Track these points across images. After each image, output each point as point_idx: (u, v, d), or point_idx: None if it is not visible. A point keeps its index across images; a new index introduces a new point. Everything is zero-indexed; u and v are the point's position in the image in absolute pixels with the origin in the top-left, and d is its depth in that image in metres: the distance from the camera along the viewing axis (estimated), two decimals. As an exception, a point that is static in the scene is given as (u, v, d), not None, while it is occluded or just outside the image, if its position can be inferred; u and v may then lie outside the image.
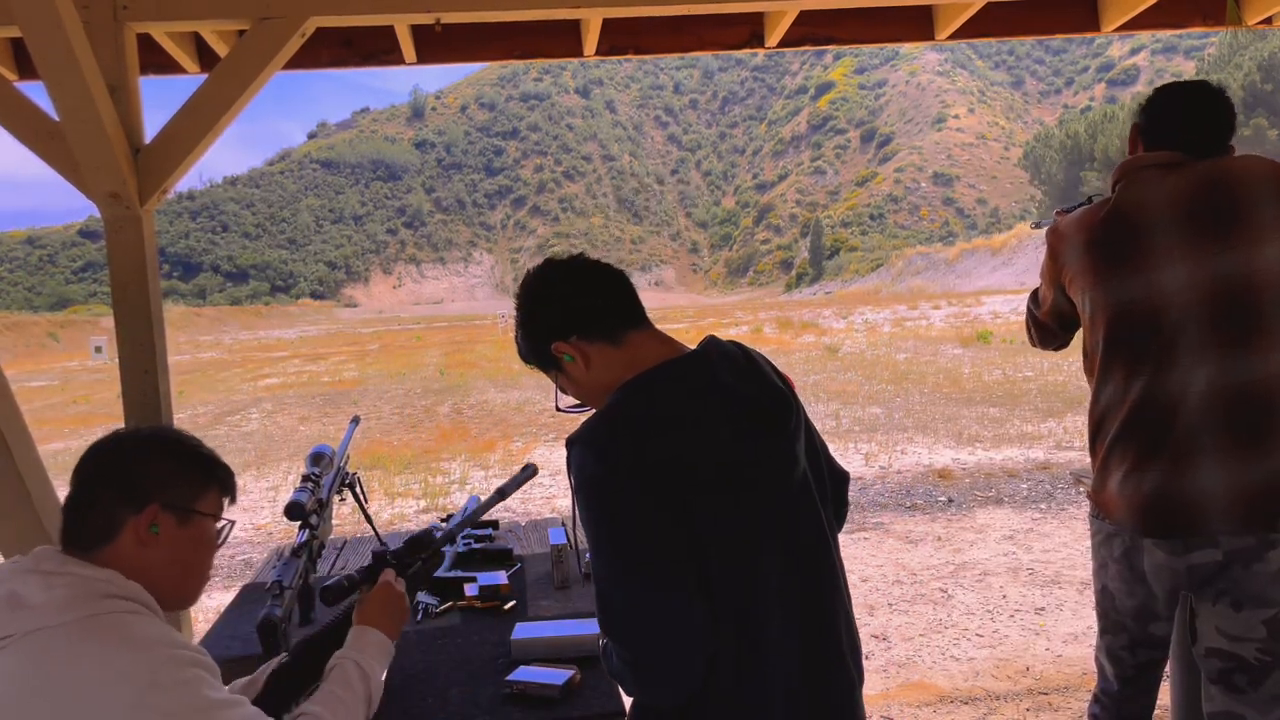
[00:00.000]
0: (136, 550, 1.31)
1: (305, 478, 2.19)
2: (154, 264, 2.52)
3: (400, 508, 7.98)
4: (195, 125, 2.49)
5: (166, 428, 1.51)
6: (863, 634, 4.15)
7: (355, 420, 2.87)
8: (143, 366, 2.46)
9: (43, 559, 1.27)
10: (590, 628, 1.90)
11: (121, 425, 1.60)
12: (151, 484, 1.33)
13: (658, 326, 1.45)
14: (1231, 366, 1.85)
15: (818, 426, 1.53)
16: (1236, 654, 1.88)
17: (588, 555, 1.34)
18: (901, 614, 4.73)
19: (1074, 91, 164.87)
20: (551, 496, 7.93)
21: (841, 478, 1.54)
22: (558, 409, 1.54)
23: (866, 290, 65.67)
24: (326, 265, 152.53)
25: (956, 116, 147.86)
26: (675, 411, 1.30)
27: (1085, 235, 2.01)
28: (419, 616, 2.18)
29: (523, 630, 1.95)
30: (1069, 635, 4.30)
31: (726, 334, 1.58)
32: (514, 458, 10.01)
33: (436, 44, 3.25)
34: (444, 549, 1.95)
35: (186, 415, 15.15)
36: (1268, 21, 3.44)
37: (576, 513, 1.33)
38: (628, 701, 1.45)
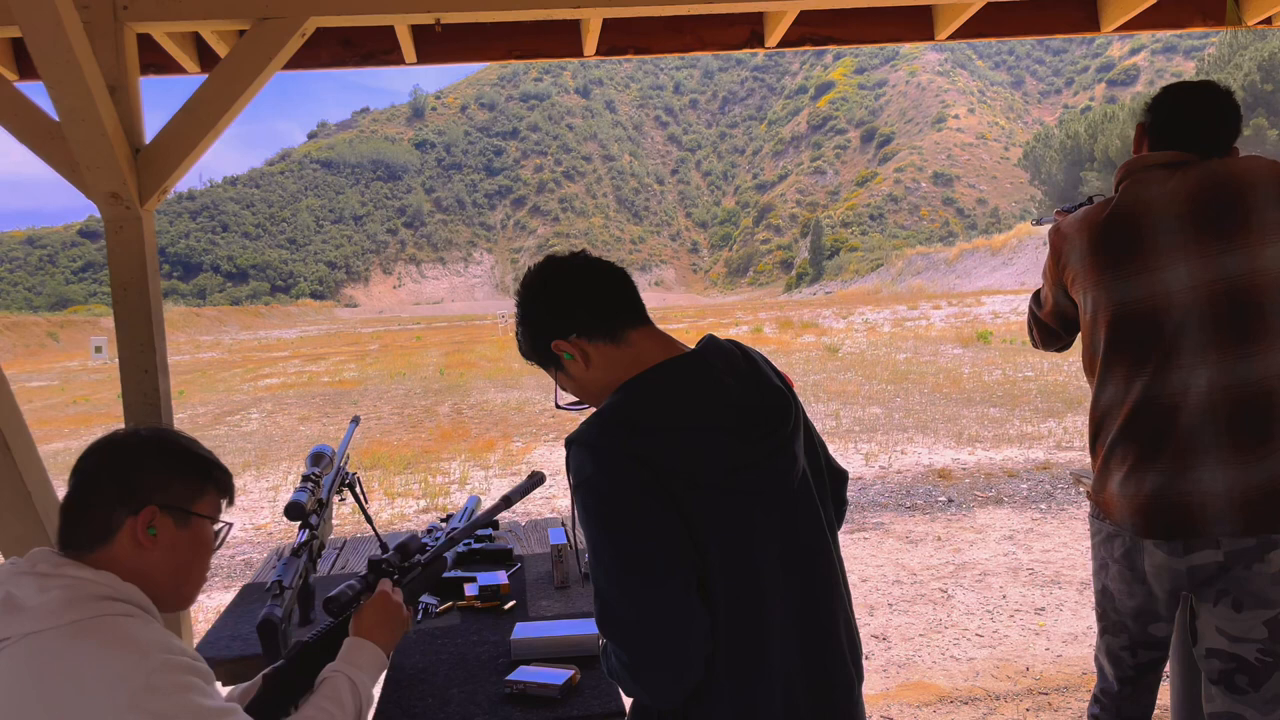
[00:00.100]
0: (134, 551, 1.31)
1: (305, 478, 2.20)
2: (154, 264, 2.52)
3: (400, 508, 7.98)
4: (195, 125, 2.49)
5: (165, 429, 1.50)
6: (863, 634, 4.15)
7: (355, 420, 2.87)
8: (143, 366, 2.46)
9: (38, 561, 1.27)
10: (590, 628, 1.91)
11: (121, 425, 1.60)
12: (150, 485, 1.33)
13: (658, 327, 1.45)
14: (1233, 367, 1.85)
15: (818, 426, 1.53)
16: (1237, 655, 1.88)
17: (587, 556, 1.34)
18: (901, 614, 4.73)
19: (1074, 91, 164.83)
20: (551, 496, 7.93)
21: (840, 476, 1.54)
22: (557, 406, 1.54)
23: (866, 290, 65.67)
24: (326, 265, 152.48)
25: (956, 116, 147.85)
26: (674, 412, 1.30)
27: (1088, 235, 2.00)
28: (419, 616, 2.18)
29: (523, 630, 1.95)
30: (1069, 635, 4.30)
31: (727, 334, 1.58)
32: (514, 457, 10.01)
33: (436, 44, 3.25)
34: (447, 554, 1.95)
35: (186, 415, 15.15)
36: (1268, 21, 3.44)
37: (575, 513, 1.33)
38: (628, 702, 1.45)
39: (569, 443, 1.32)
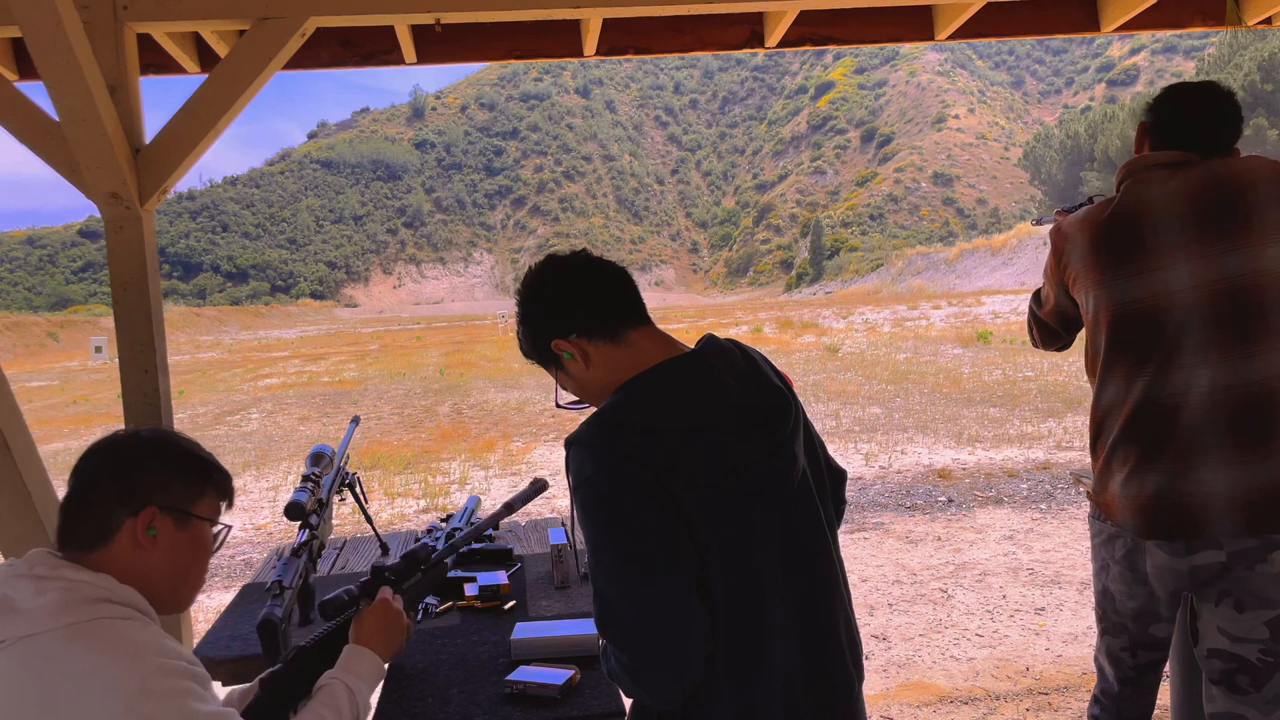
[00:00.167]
0: (133, 553, 1.31)
1: (305, 478, 2.20)
2: (154, 264, 2.52)
3: (400, 508, 7.98)
4: (195, 125, 2.49)
5: (166, 430, 1.50)
6: (863, 634, 4.15)
7: (355, 420, 2.87)
8: (143, 366, 2.46)
9: (35, 563, 1.27)
10: (590, 628, 1.91)
11: (121, 425, 1.60)
12: (150, 486, 1.33)
13: (659, 327, 1.45)
14: (1235, 367, 1.84)
15: (818, 426, 1.53)
16: (1239, 655, 1.88)
17: (586, 556, 1.34)
18: (901, 614, 4.73)
19: (1074, 91, 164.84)
20: (551, 496, 7.93)
21: (839, 476, 1.54)
22: (558, 405, 1.54)
23: (866, 290, 65.67)
24: (326, 265, 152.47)
25: (956, 116, 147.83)
26: (674, 413, 1.30)
27: (1090, 234, 2.00)
28: (419, 617, 2.18)
29: (523, 630, 1.95)
30: (1069, 635, 4.30)
31: (727, 334, 1.58)
32: (514, 457, 10.01)
33: (436, 44, 3.25)
34: (448, 560, 1.96)
35: (186, 415, 15.15)
36: (1268, 21, 3.44)
37: (574, 514, 1.33)
38: (628, 702, 1.45)
39: (569, 443, 1.32)
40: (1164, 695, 2.56)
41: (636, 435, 1.27)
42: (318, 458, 2.32)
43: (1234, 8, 3.36)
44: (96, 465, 1.34)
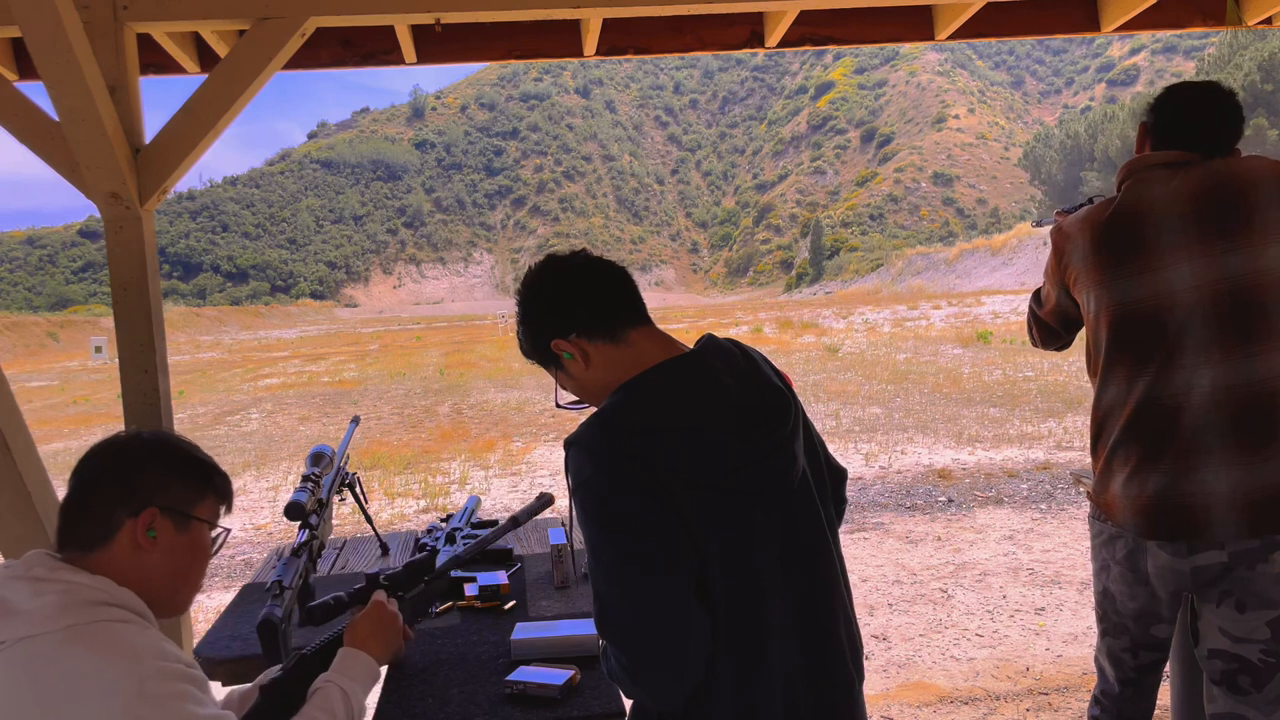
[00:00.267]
0: (132, 554, 1.31)
1: (305, 478, 2.20)
2: (154, 264, 2.52)
3: (400, 508, 7.98)
4: (195, 125, 2.49)
5: (167, 432, 1.51)
6: (863, 634, 4.15)
7: (355, 420, 2.87)
8: (143, 366, 2.46)
9: (33, 564, 1.27)
10: (590, 628, 1.90)
11: (121, 425, 1.60)
12: (151, 487, 1.33)
13: (659, 327, 1.45)
14: (1237, 367, 1.84)
15: (818, 426, 1.53)
16: (1240, 655, 1.88)
17: (586, 558, 1.33)
18: (901, 614, 4.73)
19: (1074, 91, 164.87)
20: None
21: (839, 474, 1.54)
22: (557, 405, 1.54)
23: (866, 290, 65.66)
24: (326, 265, 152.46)
25: (956, 116, 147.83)
26: (673, 413, 1.30)
27: (1090, 234, 2.00)
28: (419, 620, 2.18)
29: (523, 630, 1.95)
30: (1069, 635, 4.30)
31: (727, 334, 1.58)
32: (514, 457, 10.01)
33: (436, 44, 3.25)
34: (452, 571, 1.96)
35: (186, 415, 15.15)
36: (1268, 21, 3.44)
37: (574, 515, 1.33)
38: (628, 703, 1.45)
39: (568, 444, 1.32)
40: (1164, 696, 2.56)
41: (636, 435, 1.27)
42: (318, 458, 2.32)
43: (1234, 8, 3.36)
44: (97, 466, 1.34)
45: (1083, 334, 2.18)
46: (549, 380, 1.49)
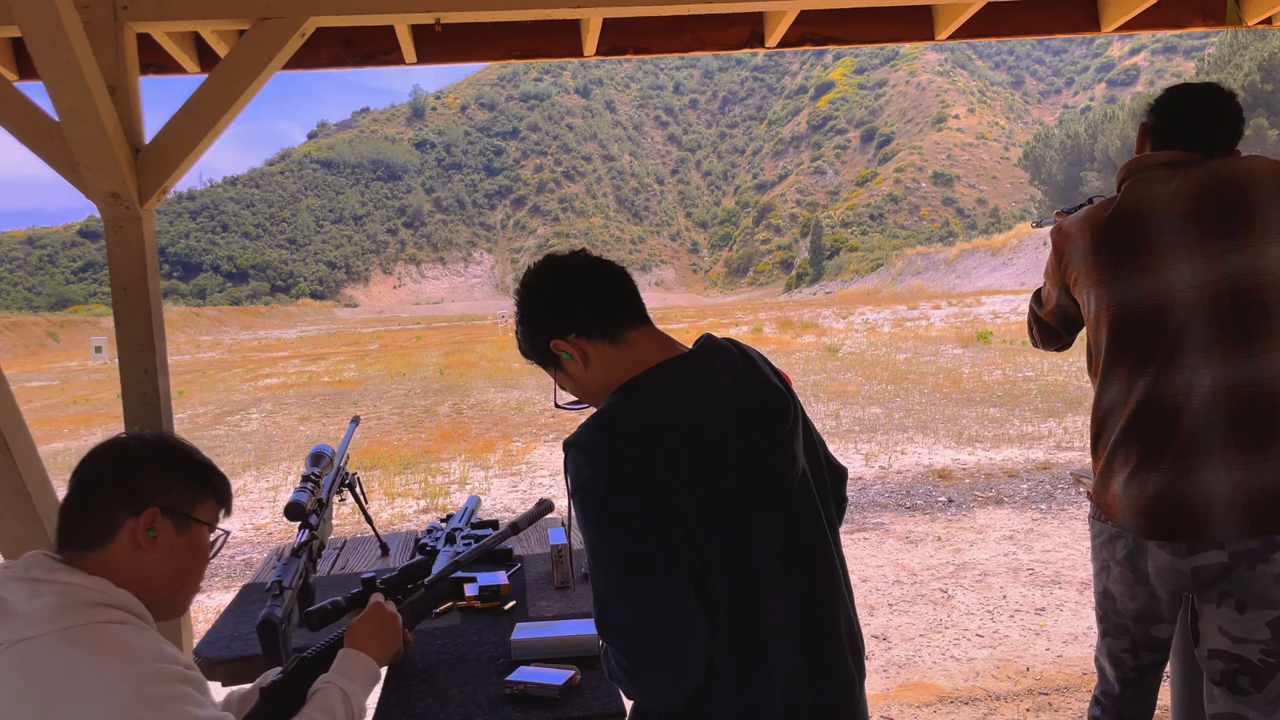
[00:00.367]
0: (132, 554, 1.31)
1: (305, 478, 2.19)
2: (154, 264, 2.52)
3: (400, 508, 7.98)
4: (195, 125, 2.49)
5: (168, 434, 1.51)
6: (863, 634, 4.15)
7: (355, 420, 2.87)
8: (143, 366, 2.46)
9: (32, 565, 1.27)
10: (590, 628, 1.90)
11: (121, 425, 1.61)
12: (152, 488, 1.33)
13: (658, 327, 1.45)
14: (1237, 367, 1.84)
15: (818, 426, 1.53)
16: (1240, 655, 1.88)
17: (586, 559, 1.33)
18: (901, 614, 4.73)
19: (1074, 91, 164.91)
20: (552, 497, 7.93)
21: (839, 474, 1.53)
22: (557, 406, 1.53)
23: (866, 290, 65.66)
24: (326, 265, 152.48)
25: (956, 116, 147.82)
26: (673, 414, 1.29)
27: (1090, 234, 2.00)
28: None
29: (523, 630, 1.95)
30: (1069, 635, 4.30)
31: (727, 334, 1.57)
32: (514, 457, 10.01)
33: (436, 44, 3.25)
34: (453, 574, 1.96)
35: (186, 415, 15.15)
36: (1268, 21, 3.44)
37: (573, 516, 1.33)
38: (628, 703, 1.45)
39: (567, 446, 1.32)
40: (1165, 696, 2.56)
41: (636, 435, 1.27)
42: (318, 458, 2.32)
43: (1234, 8, 3.36)
44: (98, 468, 1.35)
45: (1083, 334, 2.18)
46: (549, 380, 1.49)
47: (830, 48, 3.87)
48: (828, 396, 13.35)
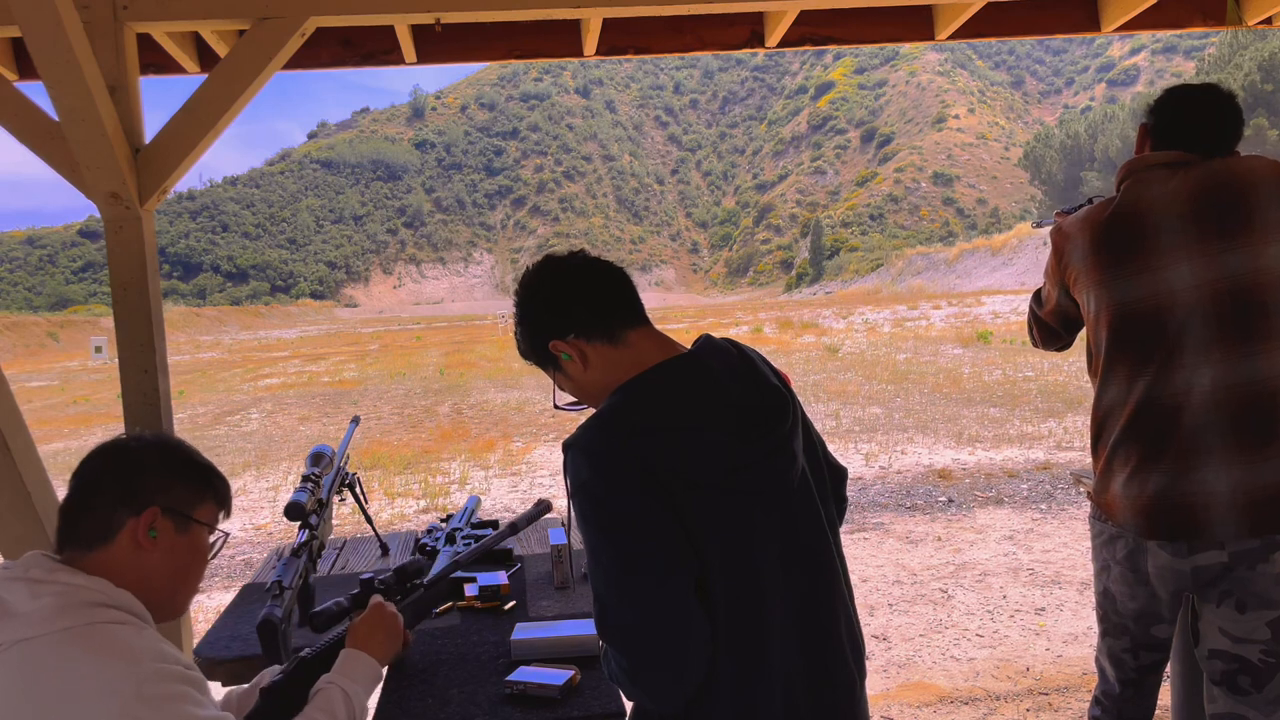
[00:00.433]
0: (132, 554, 1.31)
1: (305, 478, 2.19)
2: (154, 264, 2.52)
3: (400, 508, 7.98)
4: (195, 125, 2.49)
5: (169, 435, 1.51)
6: (863, 634, 4.16)
7: (355, 420, 2.87)
8: (143, 366, 2.46)
9: (31, 566, 1.27)
10: (590, 628, 1.90)
11: (121, 425, 1.61)
12: (153, 487, 1.34)
13: (658, 327, 1.45)
14: (1237, 366, 1.84)
15: (818, 426, 1.53)
16: (1240, 655, 1.88)
17: (586, 561, 1.33)
18: (901, 614, 4.73)
19: (1074, 91, 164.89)
20: (552, 497, 7.93)
21: (839, 473, 1.53)
22: (556, 407, 1.53)
23: (866, 290, 65.65)
24: (326, 265, 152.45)
25: (956, 116, 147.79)
26: (672, 414, 1.29)
27: (1090, 234, 2.00)
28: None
29: (523, 630, 1.95)
30: (1069, 635, 4.30)
31: (727, 334, 1.58)
32: (514, 457, 10.01)
33: (436, 44, 3.25)
34: (451, 574, 1.96)
35: (186, 415, 15.14)
36: (1268, 21, 3.44)
37: (572, 517, 1.32)
38: (628, 703, 1.45)
39: (566, 447, 1.31)
40: (1165, 696, 2.56)
41: (636, 435, 1.27)
42: (318, 458, 2.32)
43: (1234, 8, 3.36)
44: (98, 468, 1.35)
45: (1083, 334, 2.18)
46: (548, 381, 1.49)
47: (830, 48, 3.87)
48: (828, 396, 13.35)
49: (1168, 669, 2.21)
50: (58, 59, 2.10)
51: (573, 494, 1.29)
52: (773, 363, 1.47)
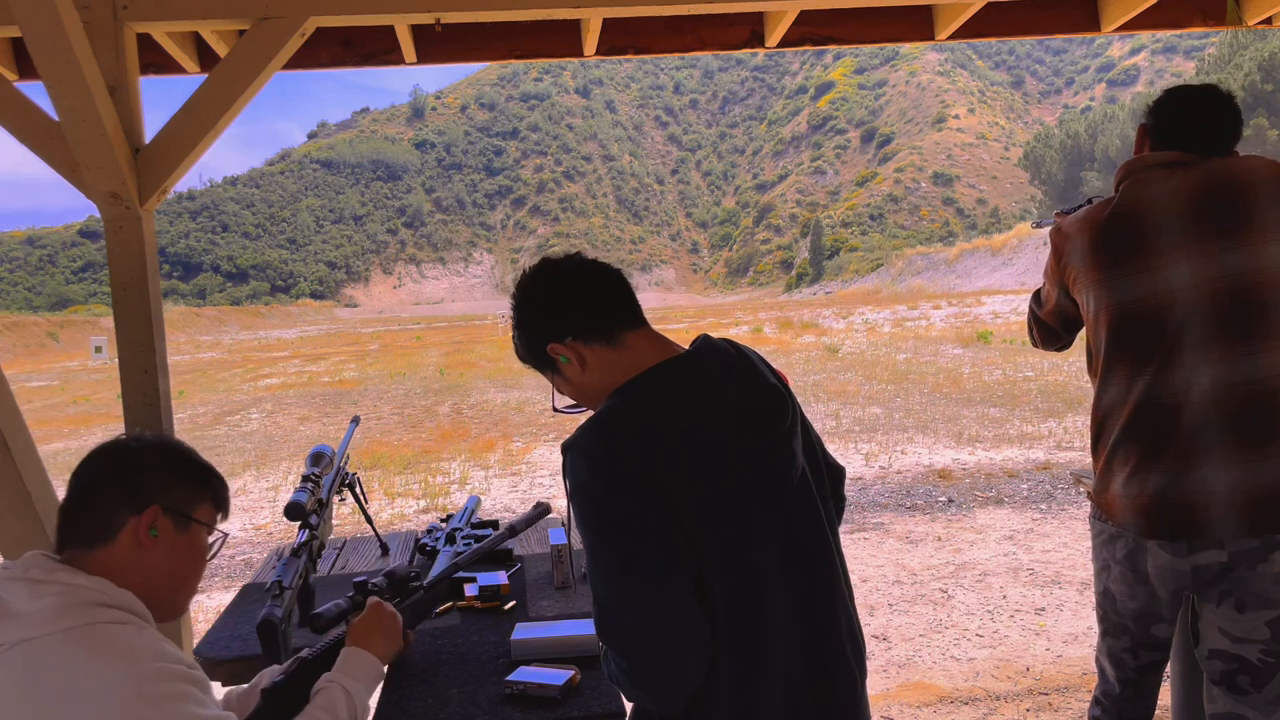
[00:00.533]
0: (133, 553, 1.31)
1: (305, 478, 2.19)
2: (154, 264, 2.52)
3: (400, 508, 7.98)
4: (195, 125, 2.49)
5: (168, 436, 1.51)
6: (863, 634, 4.15)
7: (355, 420, 2.87)
8: (143, 366, 2.46)
9: (32, 566, 1.27)
10: (590, 628, 1.90)
11: (121, 425, 1.61)
12: (154, 486, 1.34)
13: (658, 327, 1.44)
14: (1236, 366, 1.84)
15: (817, 426, 1.53)
16: (1240, 655, 1.88)
17: (585, 562, 1.33)
18: (902, 614, 4.73)
19: (1074, 91, 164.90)
20: (552, 497, 7.93)
21: (838, 473, 1.53)
22: (555, 410, 1.53)
23: (866, 290, 65.65)
24: (326, 265, 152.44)
25: (956, 116, 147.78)
26: (670, 415, 1.29)
27: (1089, 234, 2.00)
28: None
29: (523, 630, 1.95)
30: (1069, 635, 4.30)
31: (727, 334, 1.58)
32: (514, 457, 10.01)
33: (436, 44, 3.25)
34: (450, 576, 1.97)
35: (186, 415, 15.14)
36: (1268, 21, 3.44)
37: (572, 519, 1.32)
38: (628, 703, 1.45)
39: (565, 448, 1.31)
40: (1165, 696, 2.56)
41: (635, 436, 1.27)
42: (318, 458, 2.32)
43: (1234, 8, 3.36)
44: (98, 469, 1.35)
45: (1083, 334, 2.18)
46: (548, 382, 1.49)
47: (830, 48, 3.87)
48: (828, 396, 13.35)
49: (1168, 669, 2.21)
50: (58, 59, 2.10)
51: (572, 495, 1.29)
52: (771, 363, 1.47)
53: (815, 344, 22.47)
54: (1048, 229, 2.25)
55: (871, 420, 11.24)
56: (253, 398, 17.82)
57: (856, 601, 1.53)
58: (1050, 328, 2.28)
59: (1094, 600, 2.18)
